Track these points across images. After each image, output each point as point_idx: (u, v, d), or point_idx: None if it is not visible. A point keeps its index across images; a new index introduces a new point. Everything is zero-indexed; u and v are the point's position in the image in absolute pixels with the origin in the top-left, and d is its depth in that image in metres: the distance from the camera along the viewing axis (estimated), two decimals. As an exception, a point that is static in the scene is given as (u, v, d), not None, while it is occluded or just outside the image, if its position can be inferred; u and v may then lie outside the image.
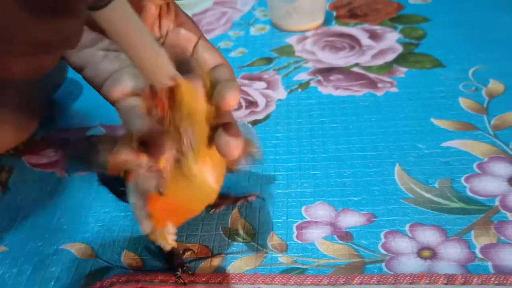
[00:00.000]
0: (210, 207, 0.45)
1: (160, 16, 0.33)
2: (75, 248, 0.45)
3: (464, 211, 0.44)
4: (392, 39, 0.71)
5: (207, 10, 0.86)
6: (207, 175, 0.33)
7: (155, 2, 0.32)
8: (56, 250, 0.45)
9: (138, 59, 0.27)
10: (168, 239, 0.37)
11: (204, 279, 0.40)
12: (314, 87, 0.63)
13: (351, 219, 0.44)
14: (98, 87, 0.34)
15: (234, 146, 0.31)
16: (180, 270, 0.40)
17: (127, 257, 0.43)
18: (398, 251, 0.41)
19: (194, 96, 0.30)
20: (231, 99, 0.29)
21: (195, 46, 0.33)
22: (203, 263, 0.42)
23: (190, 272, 0.40)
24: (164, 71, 0.28)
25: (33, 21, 0.21)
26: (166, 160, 0.31)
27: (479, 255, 0.40)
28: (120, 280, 0.41)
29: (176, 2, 0.34)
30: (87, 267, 0.43)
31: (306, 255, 0.41)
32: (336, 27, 0.75)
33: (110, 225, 0.47)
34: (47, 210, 0.49)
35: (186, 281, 0.40)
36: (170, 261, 0.41)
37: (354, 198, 0.46)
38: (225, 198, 0.45)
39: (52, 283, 0.42)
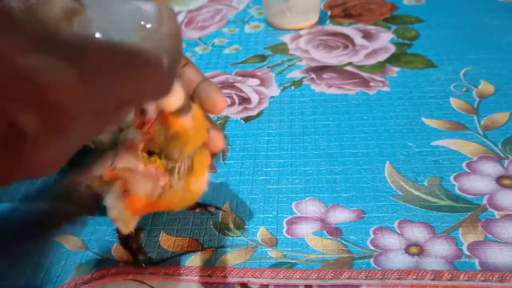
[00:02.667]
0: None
1: None
2: (65, 240, 0.45)
3: (453, 209, 0.44)
4: (385, 39, 0.71)
5: (202, 7, 0.87)
6: (199, 186, 0.34)
7: None
8: (46, 242, 0.45)
9: None
10: (130, 225, 0.37)
11: (193, 272, 0.40)
12: (307, 85, 0.63)
13: (341, 215, 0.44)
14: None
15: (218, 139, 0.33)
16: (140, 255, 0.41)
17: (117, 250, 0.44)
18: (386, 247, 0.41)
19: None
20: (220, 103, 0.32)
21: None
22: (193, 257, 0.42)
23: (148, 256, 0.41)
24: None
25: None
26: (162, 169, 0.32)
27: (466, 252, 0.40)
28: (110, 273, 0.41)
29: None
30: (78, 259, 0.43)
31: (296, 250, 0.42)
32: (330, 26, 0.76)
33: (101, 217, 0.47)
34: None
35: (176, 274, 0.40)
36: (128, 244, 0.41)
37: (344, 195, 0.47)
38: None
39: (42, 275, 0.42)
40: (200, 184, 0.34)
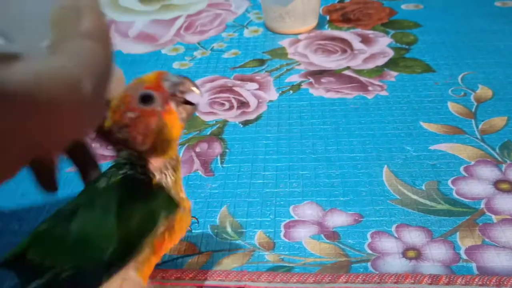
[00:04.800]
0: None
1: None
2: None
3: (450, 213, 0.44)
4: (383, 43, 0.71)
5: (201, 12, 0.87)
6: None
7: None
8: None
9: None
10: None
11: (191, 276, 0.40)
12: (306, 89, 0.63)
13: (338, 219, 0.44)
14: None
15: None
16: None
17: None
18: (384, 251, 0.41)
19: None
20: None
21: None
22: (190, 260, 0.42)
23: None
24: None
25: None
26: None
27: (464, 256, 0.40)
28: (107, 276, 0.41)
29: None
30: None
31: (293, 254, 0.42)
32: (328, 31, 0.76)
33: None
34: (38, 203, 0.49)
35: (173, 277, 0.40)
36: None
37: (342, 199, 0.46)
38: None
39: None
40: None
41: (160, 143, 0.32)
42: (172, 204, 0.32)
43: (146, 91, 0.31)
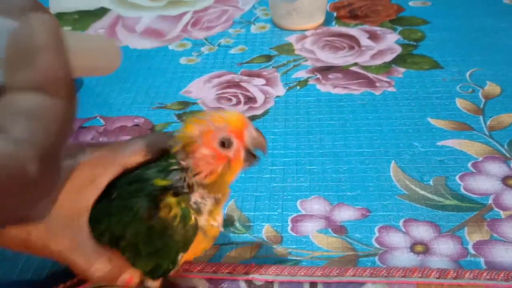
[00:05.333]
0: None
1: None
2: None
3: (458, 208, 0.44)
4: (391, 40, 0.71)
5: (208, 8, 0.87)
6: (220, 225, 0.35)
7: None
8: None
9: None
10: None
11: (198, 268, 0.40)
12: (313, 85, 0.63)
13: (345, 213, 0.44)
14: None
15: None
16: None
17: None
18: (391, 245, 0.41)
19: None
20: None
21: None
22: (198, 253, 0.42)
23: None
24: None
25: None
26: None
27: (472, 251, 0.40)
28: (115, 268, 0.41)
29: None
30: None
31: (301, 247, 0.42)
32: (336, 27, 0.76)
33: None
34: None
35: (181, 270, 0.40)
36: None
37: (349, 193, 0.46)
38: None
39: (46, 272, 0.42)
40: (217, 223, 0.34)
41: (216, 183, 0.32)
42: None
43: (229, 137, 0.32)
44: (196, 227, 0.32)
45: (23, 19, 0.14)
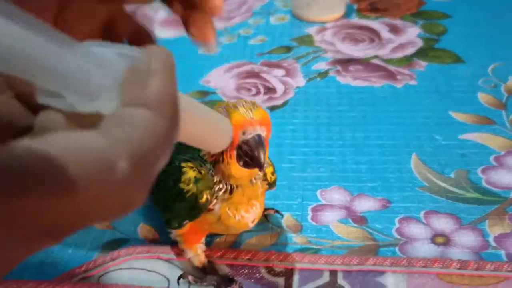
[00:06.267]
0: None
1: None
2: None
3: (479, 201, 0.44)
4: (412, 33, 0.71)
5: (228, -1, 0.87)
6: (249, 220, 0.35)
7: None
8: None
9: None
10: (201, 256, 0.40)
11: (219, 254, 0.41)
12: (333, 77, 0.63)
13: (366, 204, 0.44)
14: None
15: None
16: (233, 281, 0.39)
17: (143, 230, 0.44)
18: (412, 236, 0.41)
19: None
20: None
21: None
22: (218, 239, 0.43)
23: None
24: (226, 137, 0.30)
25: None
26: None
27: (493, 243, 0.40)
28: (137, 251, 0.42)
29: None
30: (104, 237, 0.44)
31: (321, 236, 0.42)
32: (356, 20, 0.76)
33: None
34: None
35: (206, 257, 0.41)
36: (215, 276, 0.40)
37: (369, 184, 0.46)
38: None
39: (70, 251, 0.43)
40: (243, 219, 0.35)
41: (220, 169, 0.33)
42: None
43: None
44: (204, 205, 0.35)
45: (143, 49, 0.17)
